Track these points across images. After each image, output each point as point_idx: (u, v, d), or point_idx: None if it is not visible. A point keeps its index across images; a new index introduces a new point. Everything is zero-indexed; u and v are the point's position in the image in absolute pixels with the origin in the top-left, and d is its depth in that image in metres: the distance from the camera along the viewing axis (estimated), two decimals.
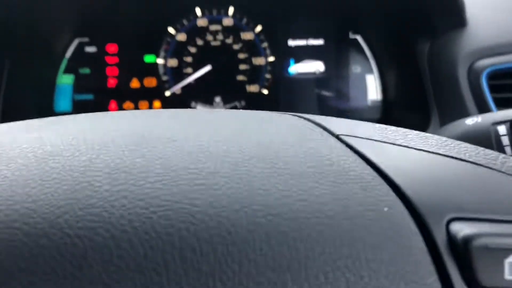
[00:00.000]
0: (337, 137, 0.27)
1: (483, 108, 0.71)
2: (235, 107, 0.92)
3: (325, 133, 0.27)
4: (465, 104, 0.72)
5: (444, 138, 0.28)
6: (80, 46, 0.92)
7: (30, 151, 0.24)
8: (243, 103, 0.92)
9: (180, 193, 0.21)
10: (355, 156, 0.24)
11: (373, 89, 0.91)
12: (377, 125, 0.29)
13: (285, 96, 0.92)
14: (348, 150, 0.25)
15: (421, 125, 0.80)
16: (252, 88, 0.92)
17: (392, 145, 0.27)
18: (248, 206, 0.20)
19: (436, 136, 0.29)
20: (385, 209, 0.21)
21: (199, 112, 0.30)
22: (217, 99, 0.92)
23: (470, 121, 0.42)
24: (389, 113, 0.90)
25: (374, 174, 0.23)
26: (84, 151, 0.23)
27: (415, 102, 0.84)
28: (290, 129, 0.27)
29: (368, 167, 0.24)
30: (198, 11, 0.91)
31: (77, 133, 0.26)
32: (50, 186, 0.21)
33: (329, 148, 0.25)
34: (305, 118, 0.30)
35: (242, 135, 0.26)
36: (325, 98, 0.92)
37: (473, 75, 0.73)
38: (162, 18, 0.91)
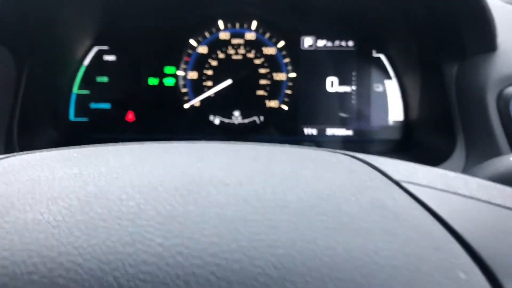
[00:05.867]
0: (397, 183, 0.25)
1: None
2: (253, 122, 0.91)
3: (385, 179, 0.25)
4: (493, 131, 0.70)
5: (509, 189, 0.26)
6: (99, 54, 0.91)
7: (71, 191, 0.22)
8: (262, 118, 0.91)
9: (239, 250, 0.19)
10: (421, 209, 0.23)
11: (395, 109, 0.89)
12: (435, 169, 0.27)
13: (305, 113, 0.91)
14: (412, 201, 0.23)
15: (445, 149, 0.78)
16: (272, 104, 0.90)
17: (455, 195, 0.25)
18: (315, 269, 0.18)
19: (498, 186, 0.27)
20: (462, 275, 0.19)
21: (245, 147, 0.28)
22: (236, 113, 0.90)
23: None
24: (410, 134, 0.88)
25: (444, 231, 0.21)
26: (131, 193, 0.22)
27: (439, 125, 0.82)
28: (347, 174, 0.25)
29: (437, 223, 0.22)
30: (220, 24, 0.90)
31: (120, 170, 0.24)
32: (97, 236, 0.19)
33: (392, 199, 0.23)
34: (358, 159, 0.28)
35: (297, 180, 0.24)
36: (346, 116, 0.90)
37: (503, 102, 0.71)
38: (184, 30, 0.90)
